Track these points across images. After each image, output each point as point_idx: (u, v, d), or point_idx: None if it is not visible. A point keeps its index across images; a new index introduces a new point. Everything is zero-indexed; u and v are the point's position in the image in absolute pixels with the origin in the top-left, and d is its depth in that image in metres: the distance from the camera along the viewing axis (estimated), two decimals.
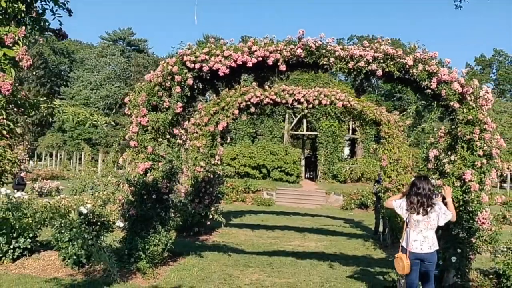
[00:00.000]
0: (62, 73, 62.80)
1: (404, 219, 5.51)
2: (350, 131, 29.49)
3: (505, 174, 23.33)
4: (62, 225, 6.61)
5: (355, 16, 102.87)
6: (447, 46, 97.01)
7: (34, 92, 55.29)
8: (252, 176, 24.48)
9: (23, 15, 3.35)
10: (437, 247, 5.45)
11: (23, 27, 3.38)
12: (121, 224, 7.95)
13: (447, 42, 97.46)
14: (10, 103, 3.34)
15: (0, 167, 3.40)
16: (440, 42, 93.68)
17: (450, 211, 5.42)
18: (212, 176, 11.33)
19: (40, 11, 3.60)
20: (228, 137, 24.17)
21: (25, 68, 3.26)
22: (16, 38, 3.23)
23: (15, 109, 3.44)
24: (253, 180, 23.81)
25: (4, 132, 3.32)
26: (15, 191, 7.84)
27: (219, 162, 11.80)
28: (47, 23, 3.66)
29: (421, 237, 5.31)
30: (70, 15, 3.70)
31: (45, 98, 3.58)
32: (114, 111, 55.33)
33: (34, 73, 54.19)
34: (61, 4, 3.70)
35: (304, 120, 28.91)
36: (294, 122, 29.13)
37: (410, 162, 11.38)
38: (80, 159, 37.88)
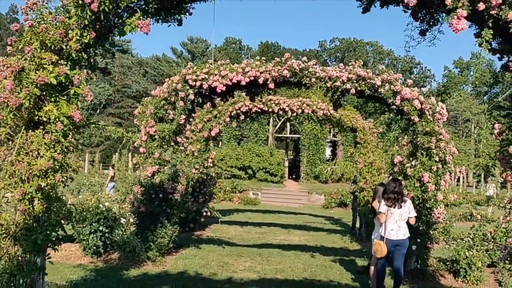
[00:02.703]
0: None
1: (385, 213, 6.75)
2: (331, 134, 30.93)
3: (457, 176, 25.07)
4: (94, 220, 7.73)
5: (338, 18, 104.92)
6: (427, 49, 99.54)
7: None
8: (239, 177, 25.72)
9: (84, 61, 4.50)
10: (409, 234, 6.78)
11: (84, 70, 4.54)
12: (123, 220, 9.09)
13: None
14: (72, 125, 4.48)
15: (66, 175, 4.52)
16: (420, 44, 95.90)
17: None
18: (205, 177, 12.52)
19: (92, 55, 4.73)
20: (220, 141, 25.40)
21: (89, 101, 4.42)
22: (81, 79, 4.37)
23: (75, 129, 4.58)
24: (240, 180, 25.06)
25: (71, 148, 4.47)
26: None
27: (211, 165, 12.99)
28: (97, 63, 4.82)
29: (396, 226, 6.63)
30: (113, 58, 4.79)
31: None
32: (98, 111, 55.84)
33: None
34: (108, 49, 4.86)
35: (288, 123, 30.28)
36: (278, 125, 30.48)
37: (383, 165, 12.74)
38: None
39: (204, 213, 12.32)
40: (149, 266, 7.73)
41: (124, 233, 8.46)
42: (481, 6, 3.97)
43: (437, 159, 8.01)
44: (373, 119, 13.73)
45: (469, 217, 19.02)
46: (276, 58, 8.68)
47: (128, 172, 24.83)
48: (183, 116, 8.54)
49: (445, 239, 8.63)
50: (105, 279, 6.69)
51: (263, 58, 8.74)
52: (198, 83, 8.48)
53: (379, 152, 12.79)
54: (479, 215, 18.66)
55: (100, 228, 7.86)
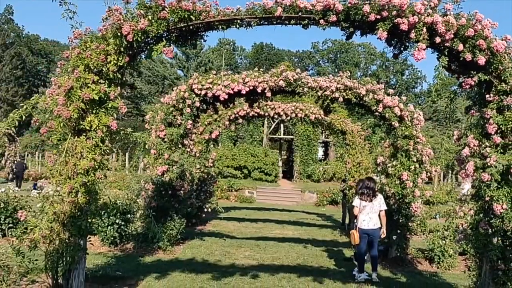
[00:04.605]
0: (40, 73, 63.44)
1: (357, 207, 7.84)
2: (324, 135, 32.01)
3: (433, 175, 26.08)
4: (111, 213, 8.72)
5: None
6: None
7: (12, 92, 55.84)
8: (234, 176, 26.74)
9: (118, 79, 5.50)
10: (380, 225, 7.82)
11: (118, 87, 5.53)
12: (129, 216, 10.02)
13: None
14: (108, 132, 5.49)
15: (103, 173, 5.53)
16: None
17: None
18: (206, 176, 13.53)
19: (124, 74, 5.74)
20: (220, 143, 26.42)
21: (122, 113, 5.41)
22: (116, 94, 5.37)
23: (110, 136, 5.57)
24: (236, 179, 26.08)
25: (108, 151, 5.46)
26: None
27: (211, 165, 14.01)
28: (126, 81, 5.81)
29: (368, 218, 7.69)
30: (139, 76, 5.73)
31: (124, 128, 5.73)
32: None
33: (12, 73, 55.03)
34: (135, 70, 5.85)
35: (282, 125, 31.33)
36: (273, 126, 31.52)
37: (370, 165, 13.81)
38: None
39: (205, 210, 13.32)
40: (160, 254, 8.74)
41: (140, 225, 9.42)
42: (438, 39, 5.03)
43: (414, 159, 9.08)
44: (363, 121, 14.83)
45: (453, 213, 20.05)
46: (272, 70, 9.71)
47: (126, 172, 25.83)
48: (190, 121, 9.56)
49: (422, 230, 9.71)
50: (125, 263, 7.69)
51: (261, 69, 9.76)
52: (203, 92, 9.49)
53: (366, 153, 13.87)
54: (461, 212, 19.81)
55: (117, 221, 8.84)
